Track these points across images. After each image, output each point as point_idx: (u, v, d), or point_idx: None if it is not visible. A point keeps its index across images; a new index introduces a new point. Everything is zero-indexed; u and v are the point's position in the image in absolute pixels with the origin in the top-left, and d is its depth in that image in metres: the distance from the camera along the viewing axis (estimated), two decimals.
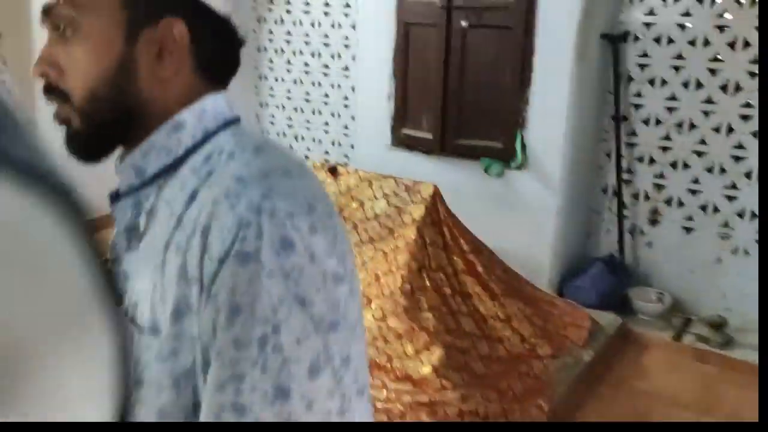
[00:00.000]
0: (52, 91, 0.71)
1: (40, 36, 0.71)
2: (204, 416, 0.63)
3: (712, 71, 3.27)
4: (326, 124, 4.63)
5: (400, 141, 3.94)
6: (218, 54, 0.74)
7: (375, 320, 2.65)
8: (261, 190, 0.62)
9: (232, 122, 0.74)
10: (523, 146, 3.50)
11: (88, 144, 0.72)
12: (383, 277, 2.73)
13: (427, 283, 2.69)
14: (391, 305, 2.64)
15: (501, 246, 3.22)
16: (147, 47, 0.69)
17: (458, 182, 3.60)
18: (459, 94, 3.64)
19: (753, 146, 3.20)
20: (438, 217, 2.79)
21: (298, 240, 0.62)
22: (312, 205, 0.64)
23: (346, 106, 4.49)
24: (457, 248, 2.79)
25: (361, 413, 0.68)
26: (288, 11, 4.57)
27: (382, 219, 2.86)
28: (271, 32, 4.69)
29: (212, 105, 0.72)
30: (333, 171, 3.05)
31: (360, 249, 2.84)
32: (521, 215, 3.54)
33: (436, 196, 2.81)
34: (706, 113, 3.31)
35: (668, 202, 3.50)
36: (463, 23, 3.53)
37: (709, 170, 3.34)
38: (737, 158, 3.26)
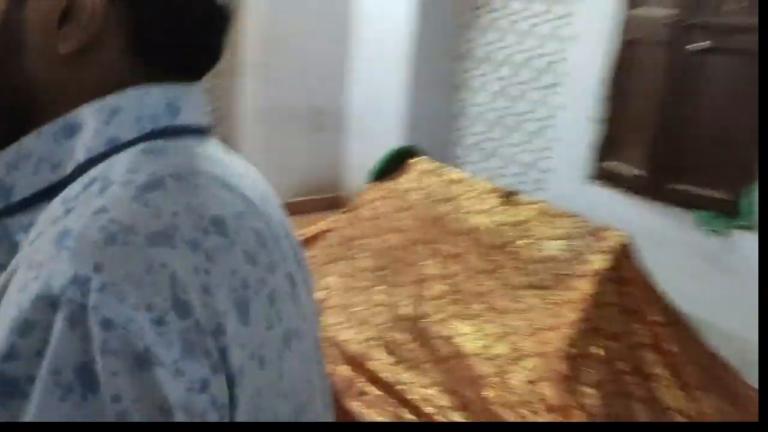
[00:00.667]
0: None
1: None
2: None
3: None
4: (523, 143, 4.21)
5: (602, 174, 3.42)
6: (173, 29, 0.47)
7: (525, 382, 2.22)
8: (81, 266, 0.34)
9: (172, 132, 0.46)
10: (757, 202, 2.81)
11: None
12: (544, 332, 2.29)
13: (598, 351, 2.20)
14: (547, 369, 2.19)
15: (707, 321, 2.59)
16: (42, 7, 0.45)
17: (663, 233, 3.01)
18: (681, 129, 3.04)
19: None
20: (624, 273, 2.27)
21: (105, 371, 0.32)
22: (176, 302, 0.35)
23: (548, 126, 4.03)
24: (643, 315, 2.25)
25: None
26: (493, 18, 4.23)
27: (555, 263, 2.41)
28: (471, 40, 4.38)
29: (135, 102, 0.45)
30: (509, 198, 2.66)
31: (520, 293, 2.42)
32: (742, 287, 2.85)
33: (627, 248, 2.29)
34: None
35: None
36: (698, 45, 2.92)
37: None
38: None
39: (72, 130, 0.45)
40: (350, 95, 4.62)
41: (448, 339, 2.49)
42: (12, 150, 0.46)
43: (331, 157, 4.42)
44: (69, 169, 0.44)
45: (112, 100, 0.45)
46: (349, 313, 2.52)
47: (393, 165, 3.29)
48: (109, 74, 0.46)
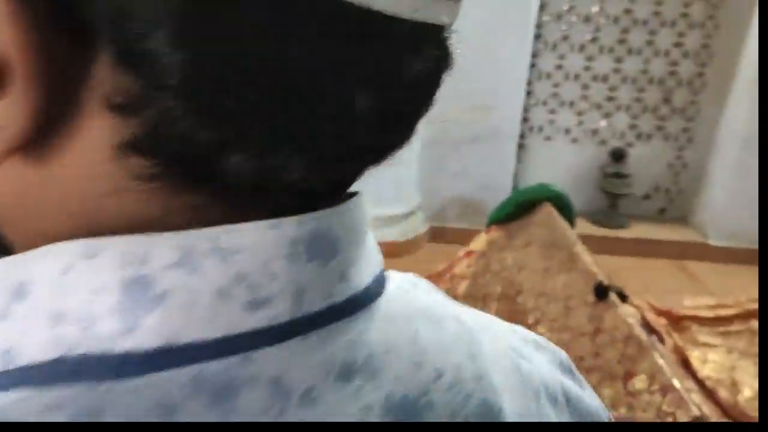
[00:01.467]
0: None
1: None
2: None
3: None
4: None
5: None
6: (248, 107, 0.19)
7: None
8: None
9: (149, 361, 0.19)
10: None
11: None
12: None
13: None
14: None
15: None
16: None
17: None
18: None
19: None
20: None
21: None
22: None
23: None
24: None
25: None
26: None
27: None
28: None
29: (52, 277, 0.19)
30: None
31: None
32: None
33: None
34: None
35: None
36: None
37: None
38: None
39: (21, 292, 0.20)
40: None
41: None
42: None
43: None
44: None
45: (24, 265, 0.20)
46: None
47: None
48: (96, 193, 0.20)
